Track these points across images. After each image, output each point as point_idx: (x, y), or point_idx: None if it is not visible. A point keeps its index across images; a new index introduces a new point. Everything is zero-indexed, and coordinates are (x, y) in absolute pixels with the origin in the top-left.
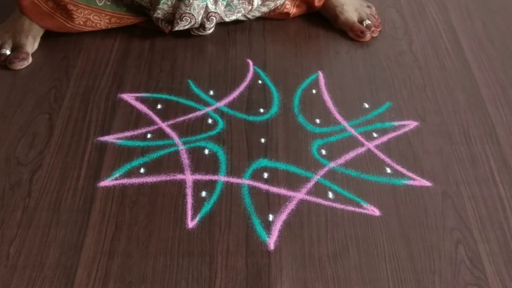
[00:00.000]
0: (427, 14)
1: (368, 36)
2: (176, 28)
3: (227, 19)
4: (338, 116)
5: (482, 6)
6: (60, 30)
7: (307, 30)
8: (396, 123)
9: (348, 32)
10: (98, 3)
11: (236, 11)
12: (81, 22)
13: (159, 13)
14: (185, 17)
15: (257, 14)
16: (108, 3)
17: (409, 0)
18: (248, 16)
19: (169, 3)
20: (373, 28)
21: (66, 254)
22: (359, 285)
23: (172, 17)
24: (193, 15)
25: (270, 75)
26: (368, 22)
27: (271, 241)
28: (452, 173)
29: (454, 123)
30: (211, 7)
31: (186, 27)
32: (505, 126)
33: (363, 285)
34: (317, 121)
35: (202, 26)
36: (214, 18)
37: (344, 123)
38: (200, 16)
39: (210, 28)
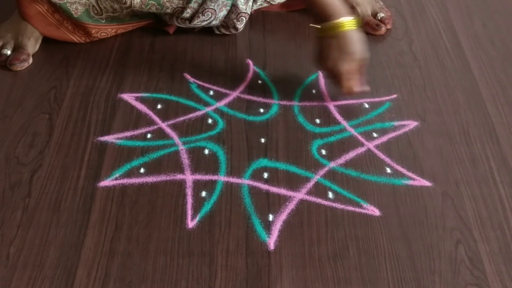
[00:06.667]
0: (427, 14)
1: (383, 29)
2: (195, 22)
3: (254, 7)
4: (338, 116)
5: (482, 6)
6: (63, 40)
7: (307, 30)
8: (396, 123)
9: (363, 27)
10: (101, 21)
11: None
12: (88, 40)
13: (188, 12)
14: (207, 12)
15: None
16: (110, 19)
17: (409, 0)
18: (273, 2)
19: (199, 1)
20: (387, 21)
21: (66, 254)
22: (359, 285)
23: (194, 13)
24: (215, 10)
25: (270, 75)
26: (382, 14)
27: (271, 241)
28: (452, 173)
29: (454, 123)
30: (242, 7)
31: (204, 23)
32: (505, 126)
33: (363, 285)
34: (317, 121)
35: (233, 26)
36: (244, 18)
37: (344, 123)
38: (222, 13)
39: (241, 28)
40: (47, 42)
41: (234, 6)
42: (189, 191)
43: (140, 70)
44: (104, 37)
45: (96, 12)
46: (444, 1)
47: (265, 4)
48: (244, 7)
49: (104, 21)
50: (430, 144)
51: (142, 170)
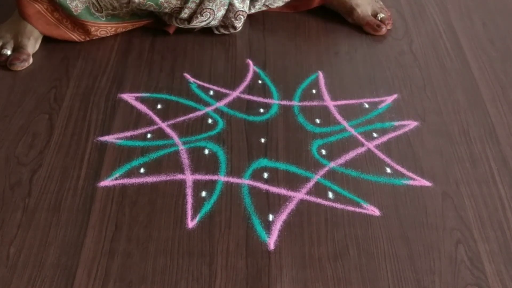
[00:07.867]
0: (427, 14)
1: (384, 29)
2: (193, 23)
3: (252, 11)
4: (338, 116)
5: (482, 6)
6: (63, 39)
7: (307, 30)
8: (396, 123)
9: (364, 27)
10: (101, 19)
11: (258, 1)
12: (88, 38)
13: (186, 12)
14: (205, 13)
15: (280, 3)
16: (110, 18)
17: (409, 0)
18: (271, 6)
19: (197, 1)
20: (387, 21)
21: (66, 254)
22: (359, 285)
23: (192, 14)
24: (213, 10)
25: (270, 75)
26: (382, 15)
27: (271, 241)
28: (452, 173)
29: (454, 123)
30: (239, 6)
31: (203, 23)
32: (505, 126)
33: (363, 285)
34: (317, 121)
35: (232, 26)
36: (242, 17)
37: (344, 123)
38: (220, 13)
39: (240, 27)
40: (47, 42)
41: (231, 5)
42: (189, 191)
43: (140, 70)
44: (104, 36)
45: (96, 9)
46: (444, 1)
47: (264, 8)
48: (241, 5)
49: (104, 19)
50: (430, 144)
51: (142, 170)
